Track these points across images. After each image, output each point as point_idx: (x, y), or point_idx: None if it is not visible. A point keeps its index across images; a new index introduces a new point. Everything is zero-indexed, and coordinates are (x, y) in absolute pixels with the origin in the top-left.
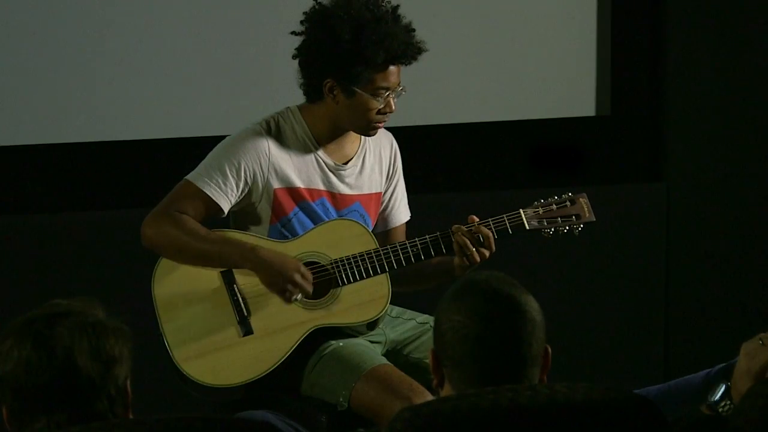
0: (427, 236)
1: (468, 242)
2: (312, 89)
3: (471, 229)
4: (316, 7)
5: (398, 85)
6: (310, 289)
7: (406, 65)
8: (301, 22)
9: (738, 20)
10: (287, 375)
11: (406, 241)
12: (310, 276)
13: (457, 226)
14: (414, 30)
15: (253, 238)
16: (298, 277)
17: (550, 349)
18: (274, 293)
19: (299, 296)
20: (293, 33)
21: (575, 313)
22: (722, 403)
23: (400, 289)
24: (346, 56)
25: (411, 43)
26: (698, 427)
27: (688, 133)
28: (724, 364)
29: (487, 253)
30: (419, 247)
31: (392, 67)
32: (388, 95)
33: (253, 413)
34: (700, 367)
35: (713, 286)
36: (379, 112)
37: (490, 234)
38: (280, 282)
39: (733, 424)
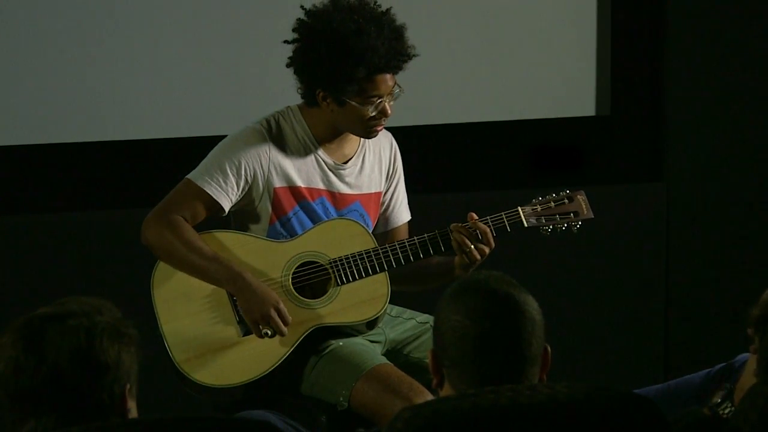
0: (425, 235)
1: (465, 239)
2: (307, 96)
3: (468, 226)
4: (303, 17)
5: (393, 88)
6: (283, 329)
7: (394, 73)
8: (293, 30)
9: (738, 20)
10: (287, 375)
11: (405, 240)
12: (287, 317)
13: (455, 224)
14: (402, 35)
15: (258, 243)
16: (273, 313)
17: (549, 348)
18: (248, 322)
19: (270, 332)
20: (285, 42)
21: (575, 312)
22: (723, 405)
23: (403, 289)
24: (329, 71)
25: (396, 52)
26: (698, 427)
27: (688, 133)
28: (723, 364)
29: (486, 250)
30: (418, 245)
31: (381, 76)
32: (381, 102)
33: (253, 413)
34: (700, 367)
35: (713, 286)
36: (374, 118)
37: (488, 230)
38: (255, 313)
39: (733, 424)
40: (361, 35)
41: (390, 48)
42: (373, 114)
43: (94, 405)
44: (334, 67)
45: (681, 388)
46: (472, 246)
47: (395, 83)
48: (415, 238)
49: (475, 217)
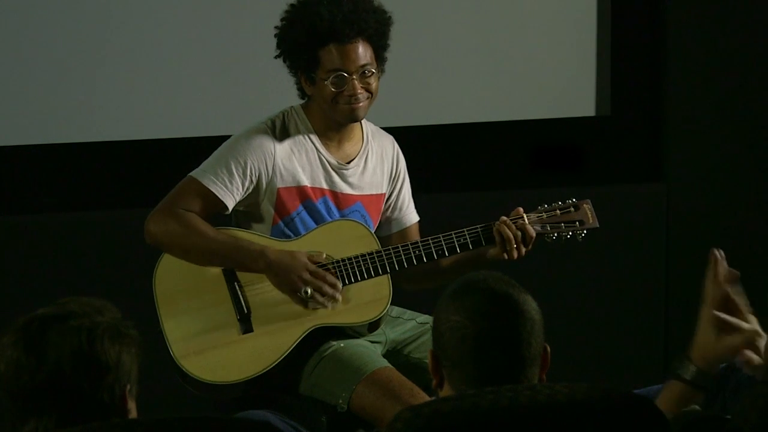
0: (429, 238)
1: (512, 236)
2: (298, 86)
3: (517, 224)
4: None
5: (364, 67)
6: (321, 284)
7: (345, 43)
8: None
9: (738, 20)
10: (286, 374)
11: (409, 244)
12: (321, 272)
13: (504, 218)
14: (362, 9)
15: (262, 239)
16: (307, 276)
17: (549, 348)
18: (285, 293)
19: (309, 290)
20: (275, 36)
21: (575, 313)
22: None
23: (415, 287)
24: (286, 44)
25: (347, 22)
26: (698, 427)
27: (688, 133)
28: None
29: (523, 251)
30: (421, 249)
31: (339, 47)
32: (344, 77)
33: (253, 413)
34: None
35: None
36: (344, 95)
37: (534, 235)
38: (292, 284)
39: (733, 425)
40: (307, 5)
41: (341, 18)
42: (340, 90)
43: (94, 405)
44: (287, 37)
45: None
46: (515, 245)
47: (369, 62)
48: (419, 241)
49: (522, 211)
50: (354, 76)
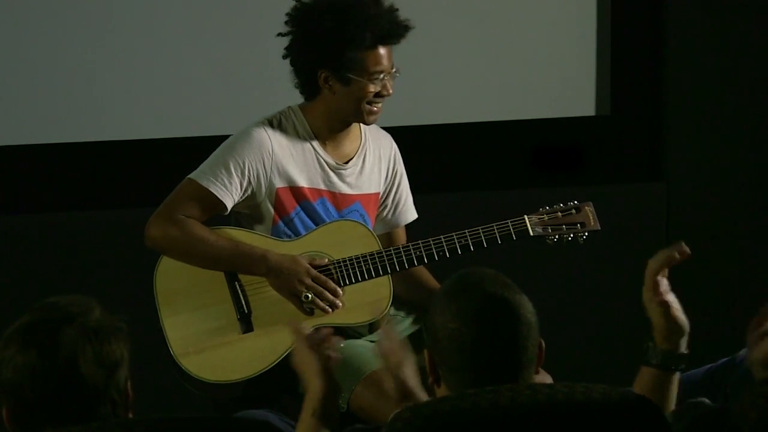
0: (430, 239)
1: None
2: (307, 86)
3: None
4: (298, 5)
5: (392, 67)
6: (321, 290)
7: (394, 44)
8: (286, 23)
9: (738, 20)
10: (286, 373)
11: (410, 245)
12: (321, 277)
13: None
14: (397, 11)
15: (262, 240)
16: (307, 281)
17: (543, 344)
18: (285, 297)
19: (310, 295)
20: (279, 34)
21: (575, 312)
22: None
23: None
24: (335, 44)
25: (396, 22)
26: (698, 426)
27: (688, 133)
28: (726, 359)
29: None
30: (422, 250)
31: (383, 50)
32: (383, 78)
33: (253, 413)
34: (700, 367)
35: (713, 286)
36: (376, 96)
37: None
38: (291, 288)
39: (733, 424)
40: (362, 6)
41: (390, 19)
42: (377, 90)
43: (106, 404)
44: (342, 37)
45: (683, 385)
46: None
47: (392, 62)
48: (420, 242)
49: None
50: (387, 77)
